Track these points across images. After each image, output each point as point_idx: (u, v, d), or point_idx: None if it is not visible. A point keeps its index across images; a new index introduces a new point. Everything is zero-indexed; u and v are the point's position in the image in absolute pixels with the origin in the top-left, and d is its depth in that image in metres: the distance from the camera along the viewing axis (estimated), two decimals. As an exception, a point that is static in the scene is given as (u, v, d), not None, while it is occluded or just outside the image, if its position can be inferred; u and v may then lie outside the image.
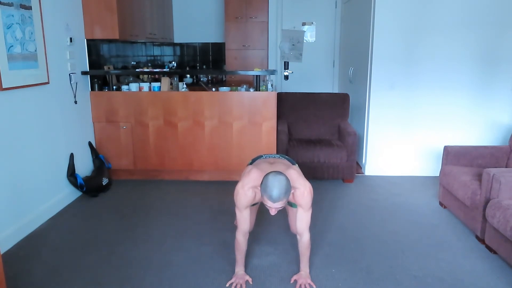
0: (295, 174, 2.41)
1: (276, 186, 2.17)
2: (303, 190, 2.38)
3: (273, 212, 2.27)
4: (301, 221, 2.48)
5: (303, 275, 2.52)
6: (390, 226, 3.33)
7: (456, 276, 2.60)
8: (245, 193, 2.39)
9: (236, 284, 2.48)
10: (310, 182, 2.45)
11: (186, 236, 3.14)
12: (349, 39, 5.67)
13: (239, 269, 2.56)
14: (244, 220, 2.47)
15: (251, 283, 2.53)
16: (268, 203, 2.22)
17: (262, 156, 2.74)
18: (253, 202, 2.46)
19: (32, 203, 3.29)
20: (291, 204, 2.87)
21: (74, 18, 3.94)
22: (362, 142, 4.83)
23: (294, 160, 2.80)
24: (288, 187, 2.22)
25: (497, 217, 2.67)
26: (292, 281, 2.53)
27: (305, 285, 2.47)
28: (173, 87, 4.42)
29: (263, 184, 2.22)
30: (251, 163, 2.68)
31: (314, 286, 2.48)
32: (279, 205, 2.21)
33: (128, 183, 4.35)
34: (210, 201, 3.84)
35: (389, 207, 3.74)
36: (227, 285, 2.51)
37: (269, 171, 2.30)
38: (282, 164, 2.53)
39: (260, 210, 3.42)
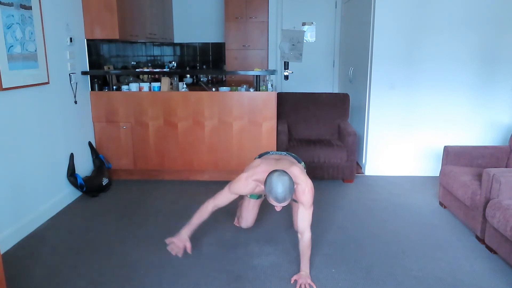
0: (297, 170, 2.46)
1: (280, 187, 2.22)
2: (304, 186, 2.42)
3: (278, 209, 2.35)
4: (302, 219, 2.49)
5: (303, 275, 2.52)
6: (390, 226, 3.33)
7: (456, 276, 2.60)
8: (247, 183, 2.45)
9: (173, 250, 2.55)
10: (310, 182, 2.47)
11: (186, 236, 3.14)
12: (349, 39, 5.67)
13: (185, 232, 2.59)
14: (224, 199, 2.55)
15: (189, 252, 2.58)
16: (274, 203, 2.30)
17: (269, 152, 2.79)
18: (250, 193, 2.50)
19: (32, 203, 3.29)
20: (295, 200, 2.89)
21: (74, 18, 3.94)
22: (362, 142, 4.83)
23: (301, 160, 2.83)
24: (292, 187, 2.27)
25: (497, 217, 2.67)
26: (292, 281, 2.53)
27: (305, 285, 2.47)
28: (173, 87, 4.42)
29: (268, 185, 2.26)
30: (258, 158, 2.74)
31: (314, 286, 2.48)
32: (284, 204, 2.29)
33: (128, 183, 4.35)
34: (210, 201, 3.84)
35: (389, 207, 3.73)
36: (167, 241, 2.56)
37: (273, 169, 2.34)
38: (287, 161, 2.59)
39: (261, 210, 3.42)
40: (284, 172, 2.30)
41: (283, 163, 2.51)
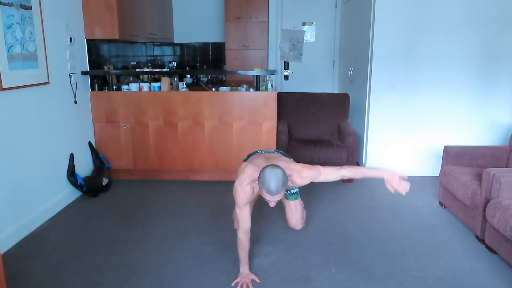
0: (284, 163, 2.49)
1: (273, 179, 2.23)
2: (297, 174, 2.46)
3: (272, 204, 2.34)
4: (328, 179, 2.53)
5: (390, 176, 2.48)
6: (390, 226, 3.33)
7: (456, 276, 2.60)
8: (244, 189, 2.43)
9: (242, 284, 2.47)
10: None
11: (186, 236, 3.14)
12: (349, 39, 5.67)
13: (244, 268, 2.54)
14: (244, 217, 2.49)
15: (258, 281, 2.51)
16: (267, 197, 2.29)
17: (257, 152, 2.80)
18: (252, 197, 2.49)
19: (32, 203, 3.29)
20: (287, 196, 2.91)
21: (74, 18, 3.94)
22: (362, 142, 4.82)
23: (290, 156, 2.84)
24: (285, 180, 2.28)
25: (497, 217, 2.67)
26: (393, 191, 2.47)
27: (402, 185, 2.43)
28: (173, 87, 4.42)
29: (261, 179, 2.28)
30: (245, 160, 2.75)
31: (407, 176, 2.43)
32: (277, 197, 2.29)
33: (128, 183, 4.34)
34: (210, 201, 3.84)
35: (389, 207, 3.73)
36: (232, 284, 2.49)
37: (265, 165, 2.34)
38: (275, 158, 2.60)
39: (260, 210, 3.42)
40: (276, 165, 2.32)
41: (272, 161, 2.55)
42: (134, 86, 4.28)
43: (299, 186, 2.67)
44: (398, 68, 4.44)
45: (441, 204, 3.75)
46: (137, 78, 4.97)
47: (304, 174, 2.48)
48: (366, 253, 2.89)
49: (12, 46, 2.98)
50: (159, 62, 6.59)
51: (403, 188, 2.44)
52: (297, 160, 4.18)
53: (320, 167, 2.52)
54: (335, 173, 2.52)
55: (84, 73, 4.11)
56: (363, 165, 4.77)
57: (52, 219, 3.48)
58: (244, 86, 4.48)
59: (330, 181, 2.57)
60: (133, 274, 2.61)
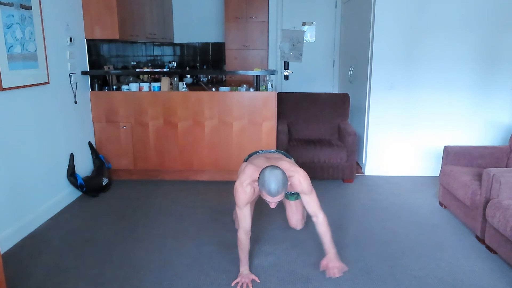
0: (286, 164, 2.49)
1: (273, 180, 2.24)
2: (298, 177, 2.47)
3: (273, 205, 2.36)
4: (309, 204, 2.53)
5: (332, 257, 2.47)
6: (390, 226, 3.33)
7: (456, 276, 2.60)
8: (244, 190, 2.43)
9: (242, 284, 2.46)
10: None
11: (186, 236, 3.14)
12: (349, 39, 5.67)
13: (244, 268, 2.54)
14: (245, 217, 2.49)
15: (258, 281, 2.51)
16: (268, 198, 2.30)
17: (257, 152, 2.81)
18: (253, 197, 2.50)
19: (32, 203, 3.29)
20: (287, 196, 2.92)
21: (74, 18, 3.94)
22: (362, 142, 4.83)
23: (291, 156, 2.84)
24: (285, 180, 2.29)
25: (497, 217, 2.67)
26: (322, 268, 2.48)
27: (334, 271, 2.42)
28: (173, 87, 4.42)
29: (261, 180, 2.28)
30: (246, 160, 2.75)
31: (347, 268, 2.43)
32: (278, 198, 2.29)
33: (128, 183, 4.35)
34: (210, 201, 3.84)
35: (389, 207, 3.73)
36: (232, 284, 2.48)
37: (265, 166, 2.34)
38: (275, 158, 2.61)
39: (260, 210, 3.42)
40: (276, 166, 2.33)
41: (272, 161, 2.55)
42: (134, 86, 4.28)
43: (295, 191, 2.66)
44: (398, 68, 4.44)
45: (441, 204, 3.75)
46: (137, 78, 4.97)
47: (302, 179, 2.48)
48: (366, 253, 2.89)
49: (12, 46, 2.98)
50: (159, 62, 6.59)
51: (333, 274, 2.45)
52: (297, 159, 4.20)
53: (313, 191, 2.55)
54: (315, 206, 2.54)
55: (84, 73, 4.11)
56: (363, 165, 4.77)
57: (52, 219, 3.48)
58: (244, 86, 4.48)
59: (307, 208, 2.57)
60: (133, 274, 2.61)
